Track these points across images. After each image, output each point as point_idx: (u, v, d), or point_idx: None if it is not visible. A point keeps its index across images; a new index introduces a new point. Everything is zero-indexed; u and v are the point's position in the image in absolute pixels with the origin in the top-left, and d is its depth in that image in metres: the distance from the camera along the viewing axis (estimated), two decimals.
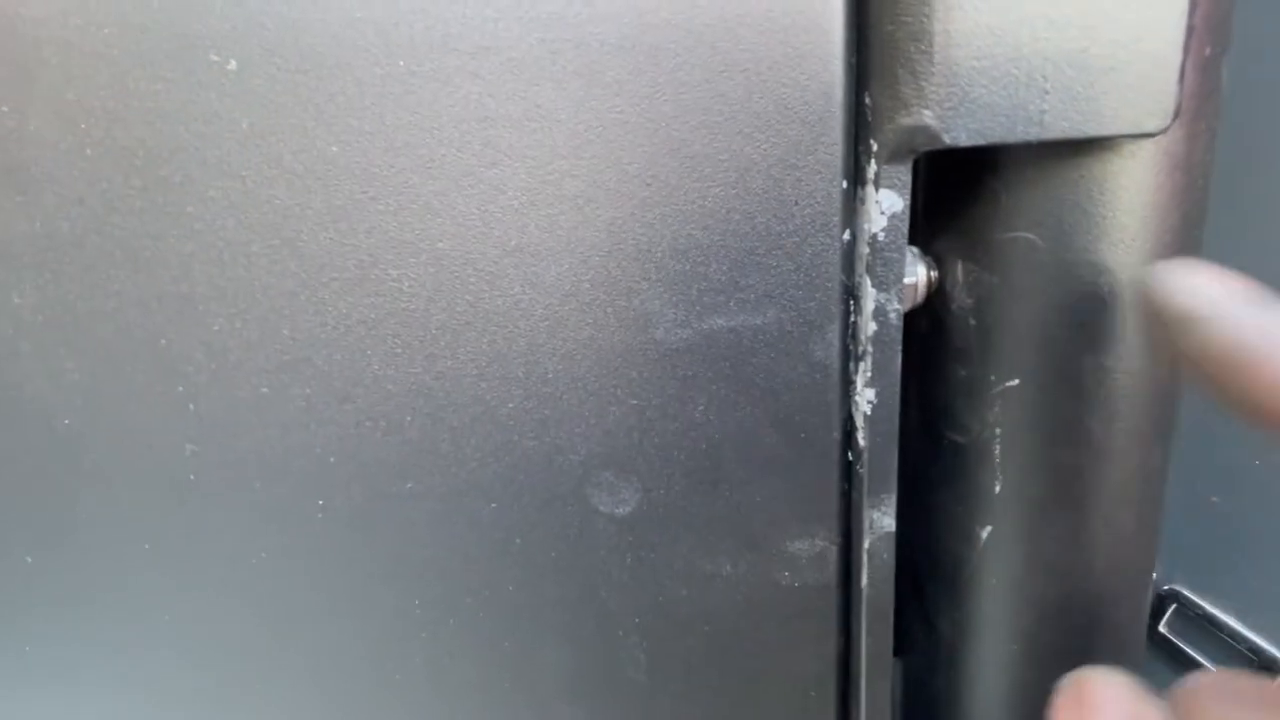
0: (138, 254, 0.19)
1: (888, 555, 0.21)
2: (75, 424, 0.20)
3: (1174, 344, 0.16)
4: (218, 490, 0.21)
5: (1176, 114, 0.17)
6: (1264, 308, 0.15)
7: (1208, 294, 0.15)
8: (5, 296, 0.19)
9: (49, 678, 0.21)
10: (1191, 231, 0.19)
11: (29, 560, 0.21)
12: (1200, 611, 0.33)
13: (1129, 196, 0.18)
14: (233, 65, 0.18)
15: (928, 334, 0.22)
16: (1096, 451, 0.20)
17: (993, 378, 0.20)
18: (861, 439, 0.20)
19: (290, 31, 0.17)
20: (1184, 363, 0.16)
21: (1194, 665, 0.33)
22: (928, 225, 0.22)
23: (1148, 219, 0.18)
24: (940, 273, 0.21)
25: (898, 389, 0.19)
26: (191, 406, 0.20)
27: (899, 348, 0.19)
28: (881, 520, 0.20)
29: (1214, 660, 0.33)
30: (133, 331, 0.19)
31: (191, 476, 0.21)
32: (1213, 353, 0.15)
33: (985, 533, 0.22)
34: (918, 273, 0.21)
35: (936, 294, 0.21)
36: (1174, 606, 0.33)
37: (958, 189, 0.20)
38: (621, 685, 0.22)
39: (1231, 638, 0.32)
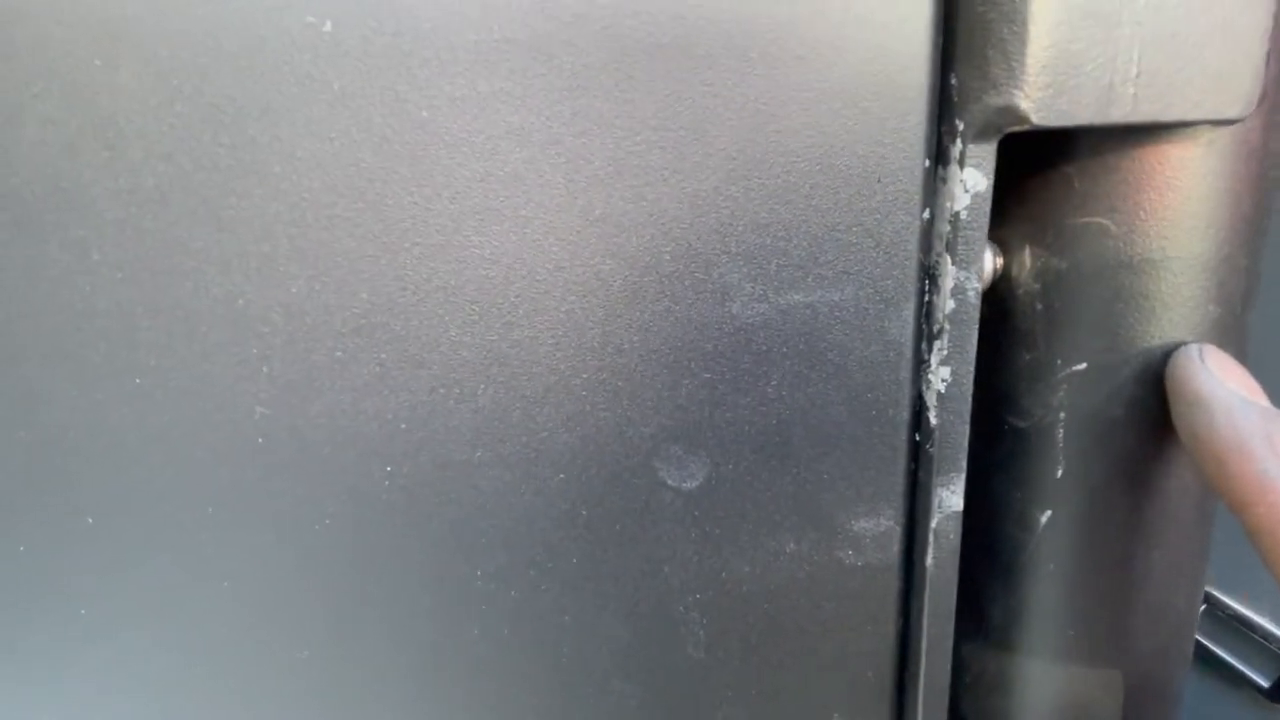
0: (221, 212, 0.19)
1: (954, 536, 0.21)
2: (146, 383, 0.20)
3: (1178, 418, 0.19)
4: (285, 454, 0.21)
5: (1259, 102, 0.17)
6: (1265, 416, 0.17)
7: (1223, 386, 0.18)
8: (85, 252, 0.19)
9: (107, 639, 0.21)
10: (1262, 220, 0.19)
11: (90, 521, 0.21)
12: (1231, 612, 0.33)
13: (1205, 183, 0.19)
14: (328, 27, 0.18)
15: (990, 319, 0.22)
16: (1161, 439, 0.20)
17: (1059, 362, 0.21)
18: (933, 418, 0.20)
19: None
20: (1183, 437, 0.18)
21: (1223, 666, 0.33)
22: (993, 210, 0.22)
23: (1221, 206, 0.19)
24: (1005, 258, 0.22)
25: (972, 368, 0.20)
26: (265, 369, 0.20)
27: (976, 326, 0.19)
28: (950, 500, 0.20)
29: (1244, 661, 0.33)
30: (211, 290, 0.19)
31: (260, 440, 0.20)
32: (1202, 438, 0.18)
33: (1044, 518, 0.22)
34: (984, 258, 0.21)
35: (1001, 279, 0.22)
36: (1204, 607, 0.34)
37: (1026, 173, 0.21)
38: (679, 662, 0.22)
39: (1263, 638, 0.32)
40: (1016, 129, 0.18)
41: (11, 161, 0.18)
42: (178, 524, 0.21)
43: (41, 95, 0.18)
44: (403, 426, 0.21)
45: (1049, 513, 0.22)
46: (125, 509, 0.21)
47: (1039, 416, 0.21)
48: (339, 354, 0.20)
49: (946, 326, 0.19)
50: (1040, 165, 0.20)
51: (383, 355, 0.20)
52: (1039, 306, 0.21)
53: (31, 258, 0.19)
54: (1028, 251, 0.21)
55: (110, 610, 0.21)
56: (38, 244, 0.19)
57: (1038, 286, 0.21)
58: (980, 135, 0.18)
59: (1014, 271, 0.21)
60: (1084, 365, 0.21)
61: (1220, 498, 0.18)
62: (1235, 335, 0.20)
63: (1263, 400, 0.18)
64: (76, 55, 0.18)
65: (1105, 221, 0.19)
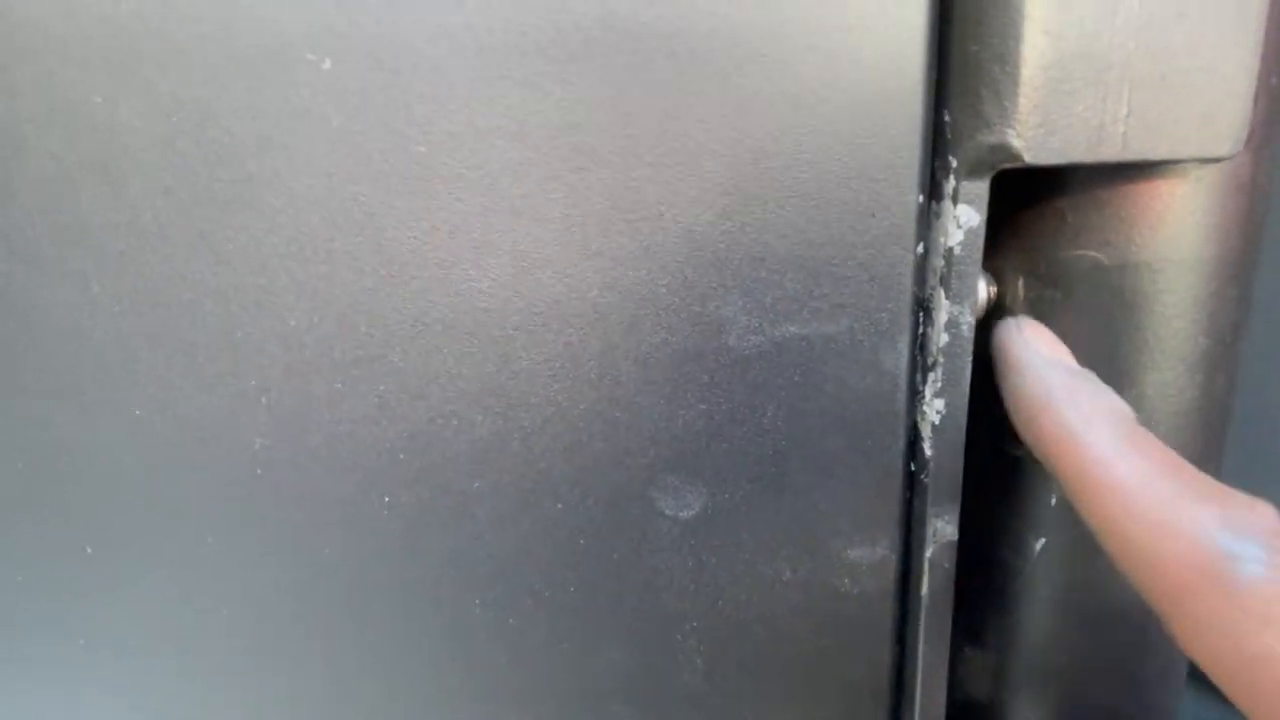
0: (220, 246, 0.19)
1: (949, 565, 0.21)
2: (145, 414, 0.20)
3: (1000, 383, 0.20)
4: (284, 485, 0.21)
5: (1247, 140, 0.18)
6: (1070, 373, 0.19)
7: (1034, 350, 0.19)
8: (85, 285, 0.19)
9: (108, 672, 0.21)
10: (1251, 253, 0.20)
11: (89, 551, 0.21)
12: None
13: (1195, 218, 0.19)
14: (328, 65, 0.18)
15: (985, 349, 0.22)
16: None
17: None
18: (928, 449, 0.20)
19: (386, 33, 0.18)
20: (1005, 402, 0.20)
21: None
22: (987, 242, 0.22)
23: (1210, 241, 0.19)
24: (1000, 288, 0.22)
25: (967, 400, 0.20)
26: (264, 400, 0.20)
27: (969, 359, 0.20)
28: (945, 529, 0.21)
29: None
30: (210, 323, 0.19)
31: (259, 471, 0.21)
32: (1015, 398, 0.19)
33: (1039, 544, 0.22)
34: (979, 288, 0.21)
35: (995, 308, 0.22)
36: None
37: (1020, 207, 0.21)
38: (678, 688, 0.22)
39: None
40: (1009, 166, 0.18)
41: (12, 194, 0.18)
42: (176, 555, 0.21)
43: (43, 130, 0.18)
44: (401, 457, 0.21)
45: (1043, 540, 0.22)
46: (124, 541, 0.21)
47: None
48: (338, 386, 0.20)
49: (940, 359, 0.20)
50: (1033, 198, 0.20)
51: (381, 387, 0.20)
52: None
53: (31, 290, 0.19)
54: (1021, 282, 0.21)
55: (109, 642, 0.21)
56: (37, 277, 0.19)
57: (1031, 317, 0.21)
58: (973, 172, 0.18)
59: (1008, 301, 0.22)
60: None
61: (1035, 453, 0.19)
62: (1226, 365, 0.21)
63: (1071, 362, 0.19)
64: (78, 91, 0.18)
65: (1097, 255, 0.20)
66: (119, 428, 0.20)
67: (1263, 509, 0.15)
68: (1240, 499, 0.16)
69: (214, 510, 0.21)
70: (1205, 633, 0.15)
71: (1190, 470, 0.17)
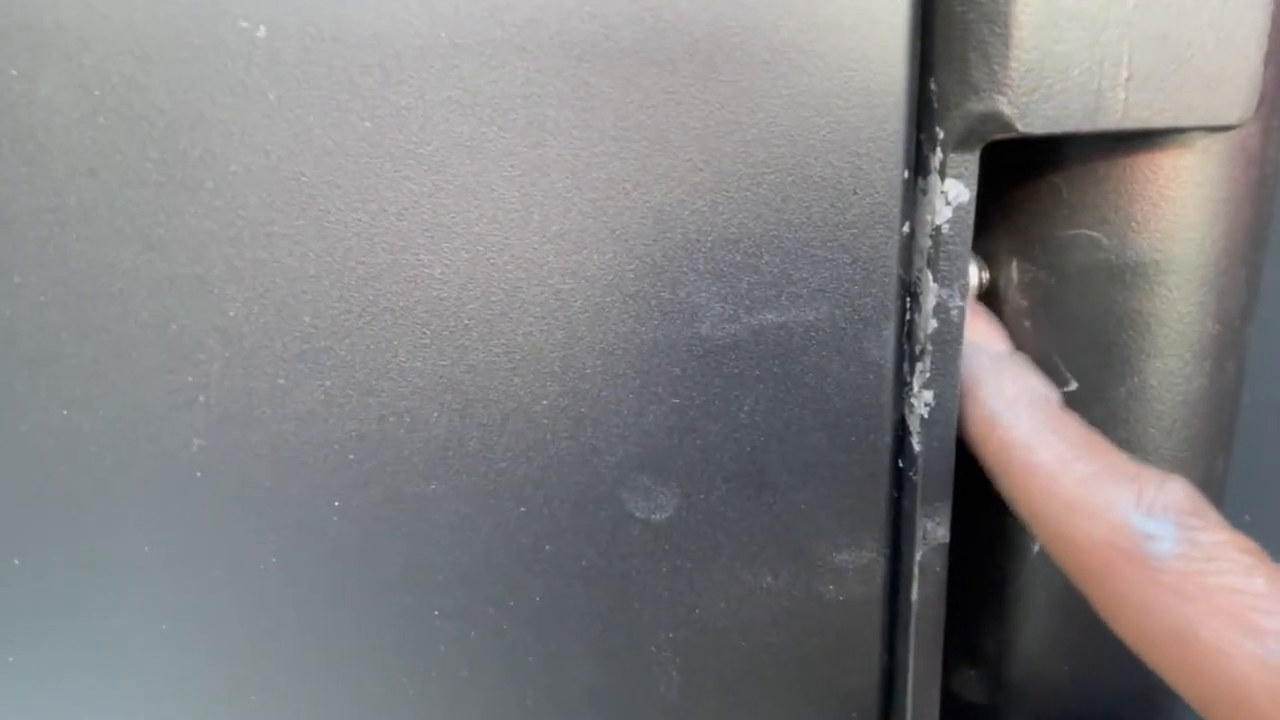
0: (150, 231, 0.18)
1: (940, 568, 0.20)
2: (74, 414, 0.19)
3: None
4: (225, 488, 0.19)
5: (1257, 107, 0.16)
6: (996, 358, 0.19)
7: (966, 342, 0.19)
8: (4, 274, 0.18)
9: (41, 683, 0.20)
10: (1261, 230, 0.18)
11: (16, 563, 0.20)
12: None
13: (1201, 192, 0.17)
14: (262, 32, 0.17)
15: None
16: (1159, 461, 0.19)
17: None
18: (916, 444, 0.19)
19: (328, 1, 0.16)
20: None
21: None
22: (978, 222, 0.21)
23: (1218, 216, 0.18)
24: (992, 271, 0.20)
25: (958, 391, 0.18)
26: (201, 398, 0.19)
27: (960, 346, 0.18)
28: (935, 531, 0.19)
29: None
30: (141, 315, 0.18)
31: (198, 474, 0.19)
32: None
33: (1036, 547, 0.21)
34: (969, 272, 0.20)
35: (988, 293, 0.21)
36: None
37: (1012, 183, 0.20)
38: (652, 703, 0.21)
39: None
40: (1000, 137, 0.16)
41: None
42: (110, 565, 0.19)
43: None
44: (350, 458, 0.19)
45: (1040, 544, 0.21)
46: (53, 549, 0.19)
47: None
48: (280, 381, 0.19)
49: (929, 347, 0.18)
50: (1027, 175, 0.19)
51: (327, 382, 0.19)
52: (1027, 323, 0.20)
53: None
54: (1015, 265, 0.20)
55: (40, 656, 0.20)
56: None
57: (1025, 302, 0.20)
58: (962, 144, 0.17)
59: (1001, 286, 0.20)
60: (1075, 385, 0.19)
61: (963, 438, 0.19)
62: (1235, 350, 0.19)
63: (1000, 348, 0.20)
64: None
65: (1095, 234, 0.18)
66: (44, 429, 0.18)
67: (1174, 486, 0.16)
68: (1154, 477, 0.16)
69: (150, 517, 0.19)
70: (1126, 610, 0.15)
71: (1108, 451, 0.17)
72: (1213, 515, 0.15)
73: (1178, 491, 0.16)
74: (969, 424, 0.19)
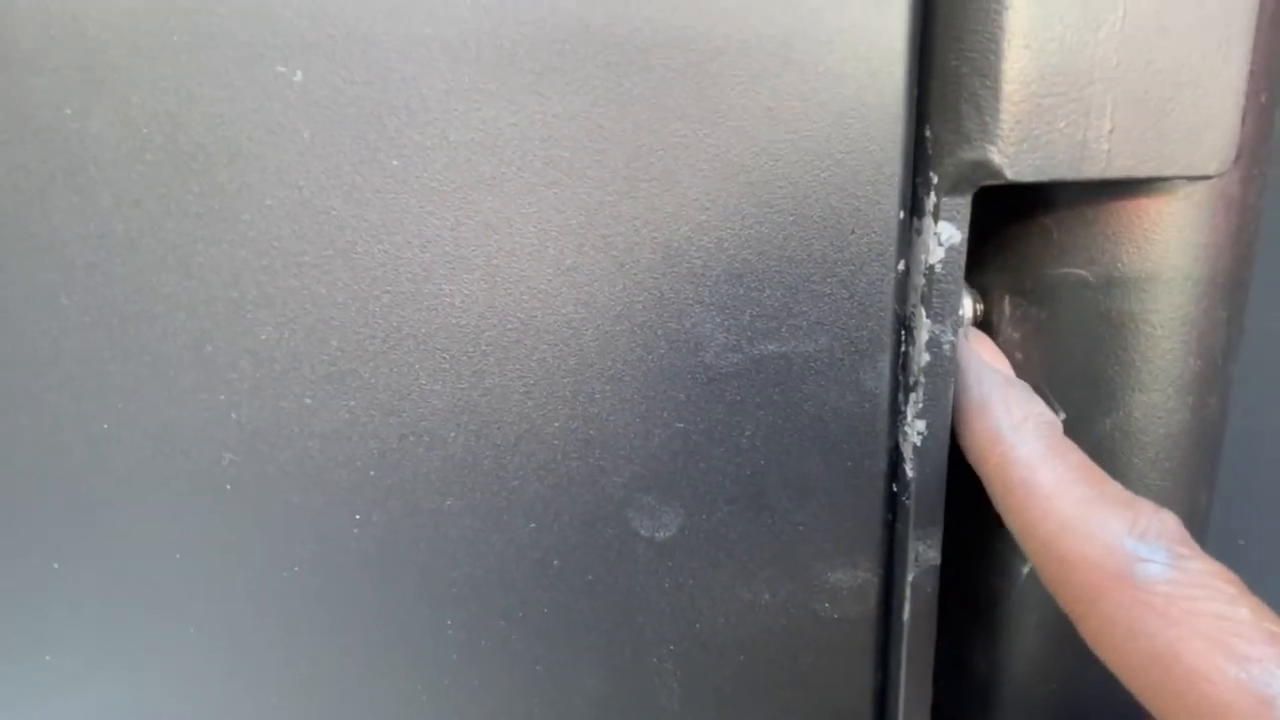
0: (190, 259, 0.19)
1: (931, 589, 0.20)
2: (113, 428, 0.20)
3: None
4: (252, 500, 0.20)
5: (1236, 158, 0.17)
6: (1006, 381, 0.19)
7: (976, 355, 0.20)
8: (54, 296, 0.19)
9: (71, 688, 0.21)
10: (1242, 273, 0.19)
11: (56, 566, 0.21)
12: None
13: (1183, 236, 0.18)
14: (299, 77, 0.18)
15: None
16: (1144, 492, 0.20)
17: None
18: (910, 470, 0.20)
19: (358, 45, 0.18)
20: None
21: None
22: (973, 258, 0.22)
23: (1200, 259, 0.19)
24: (985, 306, 0.21)
25: (949, 421, 0.19)
26: (234, 415, 0.20)
27: (951, 379, 0.19)
28: (927, 553, 0.20)
29: None
30: (179, 336, 0.19)
31: (227, 486, 0.20)
32: (957, 399, 0.20)
33: (1026, 569, 0.21)
34: (964, 305, 0.21)
35: (981, 326, 0.21)
36: None
37: (1006, 223, 0.21)
38: (654, 713, 0.22)
39: None
40: (991, 183, 0.17)
41: None
42: (142, 571, 0.20)
43: (12, 142, 0.18)
44: (372, 474, 0.20)
45: (1030, 565, 0.21)
46: (87, 555, 0.20)
47: None
48: (308, 401, 0.20)
49: (922, 379, 0.19)
50: (1019, 215, 0.20)
51: (352, 403, 0.20)
52: (1018, 355, 0.21)
53: (0, 300, 0.19)
54: (1008, 300, 0.21)
55: (70, 660, 0.21)
56: (5, 287, 0.19)
57: (1017, 335, 0.21)
58: (955, 188, 0.18)
59: (994, 319, 0.21)
60: (1063, 416, 0.20)
61: (966, 453, 0.20)
62: (1217, 387, 0.20)
63: (1009, 372, 0.20)
64: (49, 103, 0.18)
65: (1084, 273, 0.19)
66: (85, 441, 0.20)
67: (1167, 517, 0.16)
68: (1148, 507, 0.17)
69: (181, 526, 0.20)
70: (1112, 632, 0.16)
71: (1105, 479, 0.17)
72: (1199, 548, 0.16)
73: (1170, 522, 0.16)
74: (973, 439, 0.19)
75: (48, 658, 0.21)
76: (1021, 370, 0.21)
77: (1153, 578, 0.15)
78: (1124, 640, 0.16)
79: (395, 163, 0.18)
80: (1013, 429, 0.18)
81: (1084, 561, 0.16)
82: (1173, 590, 0.15)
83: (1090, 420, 0.20)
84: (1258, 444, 0.29)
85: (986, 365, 0.20)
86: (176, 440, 0.20)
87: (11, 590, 0.20)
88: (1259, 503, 0.30)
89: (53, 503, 0.20)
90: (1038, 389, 0.21)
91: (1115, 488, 0.17)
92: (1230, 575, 0.16)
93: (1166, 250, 0.18)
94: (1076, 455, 0.18)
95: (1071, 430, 0.20)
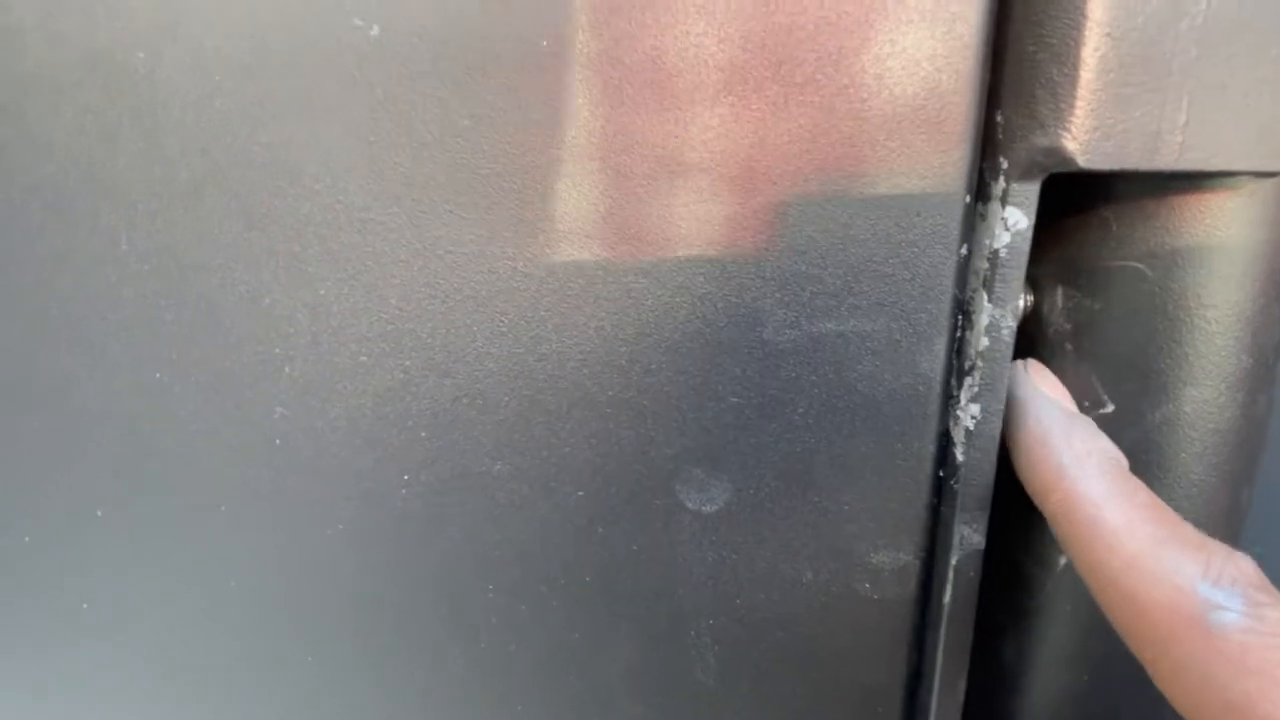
0: (253, 209, 0.19)
1: (974, 574, 0.21)
2: (166, 377, 0.20)
3: (1005, 421, 0.20)
4: (301, 456, 0.20)
5: None
6: (1068, 415, 0.19)
7: (1036, 389, 0.20)
8: (114, 240, 0.19)
9: (106, 635, 0.21)
10: None
11: (99, 514, 0.21)
12: None
13: (1244, 233, 0.18)
14: (375, 31, 0.18)
15: (1018, 357, 0.22)
16: (1188, 487, 0.20)
17: (1086, 404, 0.21)
18: (960, 454, 0.20)
19: (437, 5, 0.18)
20: (1005, 437, 0.20)
21: None
22: None
23: (1259, 257, 0.19)
24: (1037, 296, 0.22)
25: (1003, 406, 0.19)
26: (287, 369, 0.20)
27: (1008, 365, 0.19)
28: (972, 538, 0.20)
29: None
30: (237, 287, 0.19)
31: (277, 441, 0.20)
32: (1015, 434, 0.20)
33: (1064, 560, 0.22)
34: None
35: (1031, 317, 0.22)
36: None
37: (1062, 213, 0.21)
38: (688, 686, 0.22)
39: None
40: (1061, 170, 0.17)
41: (49, 147, 0.18)
42: (188, 520, 0.20)
43: (82, 83, 0.18)
44: (423, 434, 0.20)
45: (1068, 556, 0.22)
46: (135, 502, 0.20)
47: None
48: (363, 358, 0.20)
49: (979, 363, 0.19)
50: (1077, 205, 0.20)
51: (407, 362, 0.20)
52: (1069, 347, 0.21)
53: (61, 243, 0.19)
54: (1060, 291, 0.21)
55: (116, 604, 0.21)
56: (68, 230, 0.19)
57: (1069, 327, 0.21)
58: (1024, 174, 0.18)
59: (1045, 310, 0.21)
60: (1111, 408, 0.20)
61: (1027, 488, 0.19)
62: (1267, 384, 0.20)
63: (1071, 406, 0.20)
64: (120, 45, 0.18)
65: (1141, 266, 0.19)
66: (138, 388, 0.20)
67: (1242, 561, 0.16)
68: (1222, 549, 0.16)
69: (229, 477, 0.20)
70: (1185, 678, 0.15)
71: (1176, 519, 0.17)
72: (1277, 595, 0.16)
73: (1246, 566, 0.16)
74: (1034, 474, 0.19)
75: (85, 605, 0.21)
76: (1070, 361, 0.21)
77: (1228, 625, 0.15)
78: (1197, 687, 0.15)
79: (467, 122, 0.18)
80: (1076, 463, 0.18)
81: (1155, 605, 0.16)
82: (1249, 639, 0.15)
83: (1140, 413, 0.20)
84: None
85: (1046, 398, 0.20)
86: (229, 392, 0.20)
87: (56, 533, 0.20)
88: (1269, 511, 0.31)
89: (100, 448, 0.20)
90: (1085, 381, 0.21)
91: (1187, 529, 0.17)
92: None
93: (1227, 245, 0.19)
94: (1145, 494, 0.18)
95: (1120, 422, 0.20)
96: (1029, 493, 0.19)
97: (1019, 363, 0.21)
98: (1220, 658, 0.15)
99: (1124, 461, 0.18)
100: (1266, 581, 0.16)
